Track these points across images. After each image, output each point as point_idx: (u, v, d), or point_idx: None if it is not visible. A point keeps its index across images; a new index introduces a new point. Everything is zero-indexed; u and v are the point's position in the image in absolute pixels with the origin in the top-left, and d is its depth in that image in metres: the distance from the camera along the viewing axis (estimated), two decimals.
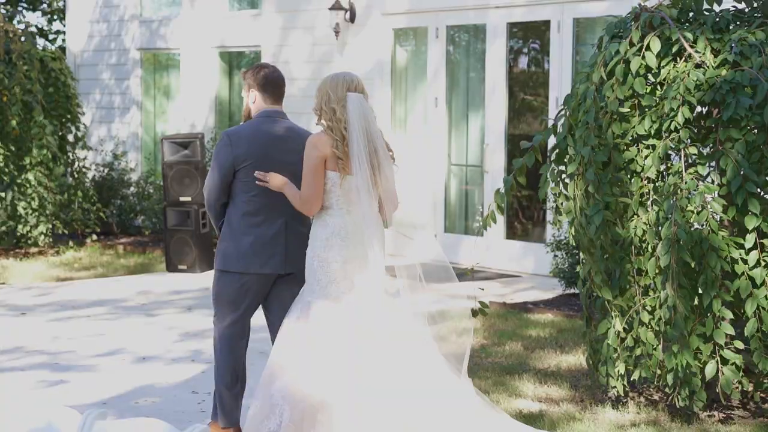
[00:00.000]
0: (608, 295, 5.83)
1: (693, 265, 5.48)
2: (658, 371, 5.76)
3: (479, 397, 5.17)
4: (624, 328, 5.85)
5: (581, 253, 6.22)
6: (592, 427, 5.68)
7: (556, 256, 9.28)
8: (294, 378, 4.91)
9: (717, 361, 5.46)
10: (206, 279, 10.72)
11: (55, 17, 23.14)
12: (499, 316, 8.50)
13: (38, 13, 23.46)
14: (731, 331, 5.43)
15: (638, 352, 5.80)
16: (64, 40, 22.12)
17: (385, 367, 4.90)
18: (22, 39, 12.10)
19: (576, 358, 7.13)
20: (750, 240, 5.42)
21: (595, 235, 5.71)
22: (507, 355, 7.30)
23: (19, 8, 22.16)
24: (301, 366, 4.92)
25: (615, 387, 5.95)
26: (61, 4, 22.35)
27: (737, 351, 5.59)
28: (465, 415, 4.98)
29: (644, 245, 5.74)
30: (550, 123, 6.37)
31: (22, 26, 12.67)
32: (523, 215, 11.25)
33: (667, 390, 5.75)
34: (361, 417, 4.81)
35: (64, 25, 20.21)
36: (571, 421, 5.76)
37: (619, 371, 5.88)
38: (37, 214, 11.96)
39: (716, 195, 5.49)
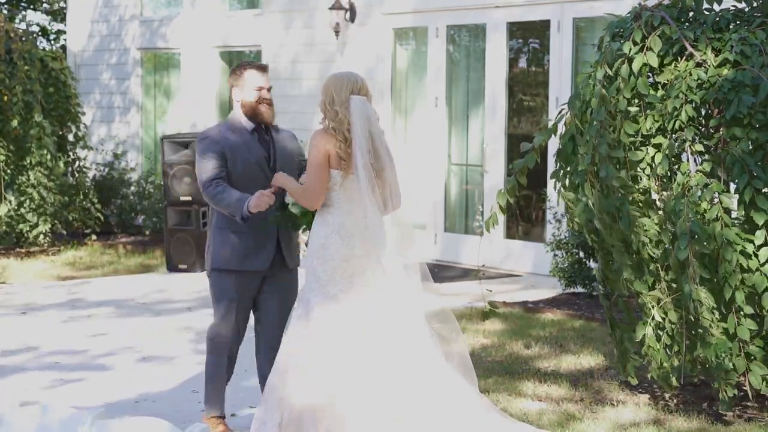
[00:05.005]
0: (642, 288, 5.82)
1: (709, 260, 5.48)
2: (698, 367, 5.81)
3: (480, 396, 5.18)
4: (659, 323, 5.84)
5: (599, 254, 6.22)
6: (592, 426, 5.68)
7: (555, 255, 9.29)
8: (294, 377, 4.92)
9: (744, 357, 5.46)
10: (206, 279, 10.71)
11: (56, 17, 23.14)
12: (499, 316, 8.50)
13: (39, 13, 23.46)
14: (754, 327, 5.43)
15: (675, 349, 5.82)
16: (64, 40, 22.13)
17: (384, 366, 4.91)
18: (23, 39, 12.11)
19: (576, 358, 7.14)
20: (760, 237, 5.43)
21: (629, 228, 5.71)
22: (507, 354, 7.31)
23: (21, 7, 22.17)
24: (300, 365, 4.93)
25: (668, 386, 5.96)
26: (61, 4, 22.36)
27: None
28: (466, 414, 4.98)
29: (661, 245, 5.75)
30: (550, 124, 6.38)
31: (23, 26, 12.68)
32: (523, 215, 11.25)
33: (714, 385, 5.72)
34: (360, 416, 4.82)
35: (65, 25, 20.22)
36: (571, 421, 5.77)
37: (668, 371, 5.88)
38: (36, 213, 11.96)
39: (725, 191, 5.49)
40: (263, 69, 5.47)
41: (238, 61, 13.74)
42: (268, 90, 5.45)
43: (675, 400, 6.14)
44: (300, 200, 5.07)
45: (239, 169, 5.32)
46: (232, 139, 5.36)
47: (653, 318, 5.83)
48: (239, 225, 5.27)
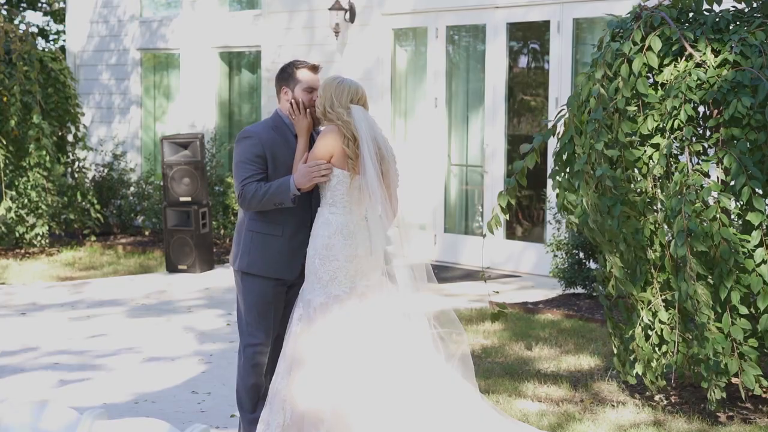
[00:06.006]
0: (632, 289, 5.83)
1: (706, 259, 5.48)
2: (689, 366, 5.81)
3: (481, 398, 5.18)
4: (648, 324, 5.85)
5: (599, 254, 6.22)
6: (592, 427, 5.68)
7: (555, 256, 9.29)
8: (296, 378, 4.92)
9: (737, 357, 5.46)
10: (206, 279, 10.72)
11: (56, 17, 23.14)
12: (507, 317, 8.50)
13: (39, 13, 23.47)
14: (748, 326, 5.43)
15: (664, 349, 5.82)
16: (64, 41, 22.12)
17: (386, 367, 4.91)
18: (22, 39, 12.10)
19: (576, 359, 7.14)
20: (756, 237, 5.43)
21: (618, 228, 5.71)
22: (507, 355, 7.31)
23: (21, 7, 22.16)
24: (301, 366, 4.93)
25: (654, 386, 5.97)
26: (61, 4, 22.36)
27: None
28: (467, 416, 4.98)
29: (654, 245, 5.76)
30: (550, 124, 6.38)
31: (22, 26, 12.67)
32: (523, 215, 11.25)
33: (702, 385, 5.73)
34: (361, 417, 4.82)
35: (64, 26, 20.23)
36: (571, 421, 5.77)
37: (655, 370, 5.88)
38: (34, 215, 11.96)
39: (723, 191, 5.50)
40: (316, 69, 5.20)
41: (238, 62, 13.90)
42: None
43: (674, 401, 6.14)
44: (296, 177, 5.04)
45: (281, 172, 5.07)
46: (276, 140, 5.10)
47: (642, 319, 5.84)
48: (274, 228, 5.09)
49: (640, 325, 5.86)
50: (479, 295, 9.20)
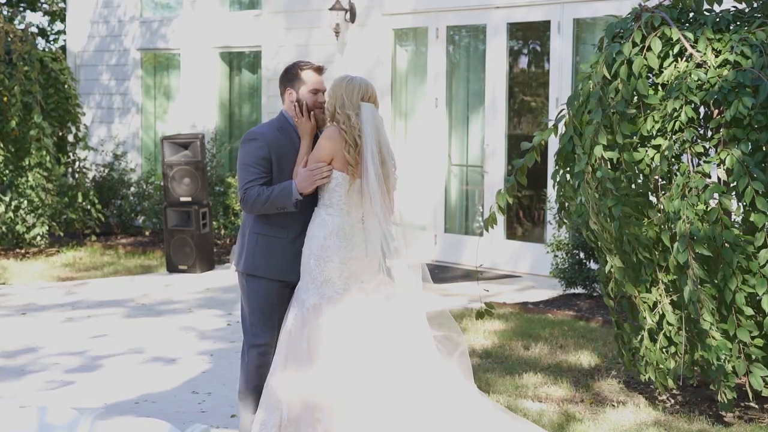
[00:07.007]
0: (633, 290, 5.83)
1: (709, 262, 5.48)
2: (696, 368, 5.82)
3: (481, 396, 5.18)
4: (652, 328, 5.85)
5: (602, 253, 6.22)
6: (593, 428, 5.68)
7: (556, 256, 9.29)
8: (291, 378, 4.92)
9: (744, 359, 5.46)
10: (206, 279, 10.72)
11: (56, 17, 23.13)
12: (499, 316, 8.50)
13: (39, 13, 23.47)
14: (753, 328, 5.43)
15: (672, 350, 5.82)
16: (64, 41, 22.11)
17: (382, 367, 4.91)
18: (23, 40, 12.10)
19: (576, 359, 7.14)
20: (760, 238, 5.42)
21: (618, 230, 5.70)
22: (507, 354, 7.30)
23: (21, 7, 22.15)
24: (296, 366, 4.93)
25: (664, 388, 5.97)
26: (61, 4, 22.36)
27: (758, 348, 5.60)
28: (467, 415, 4.98)
29: (658, 244, 5.76)
30: (551, 124, 6.38)
31: (22, 26, 12.67)
32: (523, 215, 11.25)
33: (712, 387, 5.73)
34: (358, 417, 4.82)
35: (65, 25, 20.22)
36: (571, 422, 5.76)
37: (666, 373, 5.88)
38: (35, 215, 11.96)
39: (725, 192, 5.50)
40: (321, 71, 5.17)
41: (238, 62, 13.89)
42: (323, 93, 5.16)
43: (675, 401, 6.14)
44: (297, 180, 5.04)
45: (286, 173, 5.05)
46: (281, 141, 5.06)
47: (646, 320, 5.84)
48: (278, 231, 5.08)
49: (644, 328, 5.85)
50: (484, 296, 9.19)
